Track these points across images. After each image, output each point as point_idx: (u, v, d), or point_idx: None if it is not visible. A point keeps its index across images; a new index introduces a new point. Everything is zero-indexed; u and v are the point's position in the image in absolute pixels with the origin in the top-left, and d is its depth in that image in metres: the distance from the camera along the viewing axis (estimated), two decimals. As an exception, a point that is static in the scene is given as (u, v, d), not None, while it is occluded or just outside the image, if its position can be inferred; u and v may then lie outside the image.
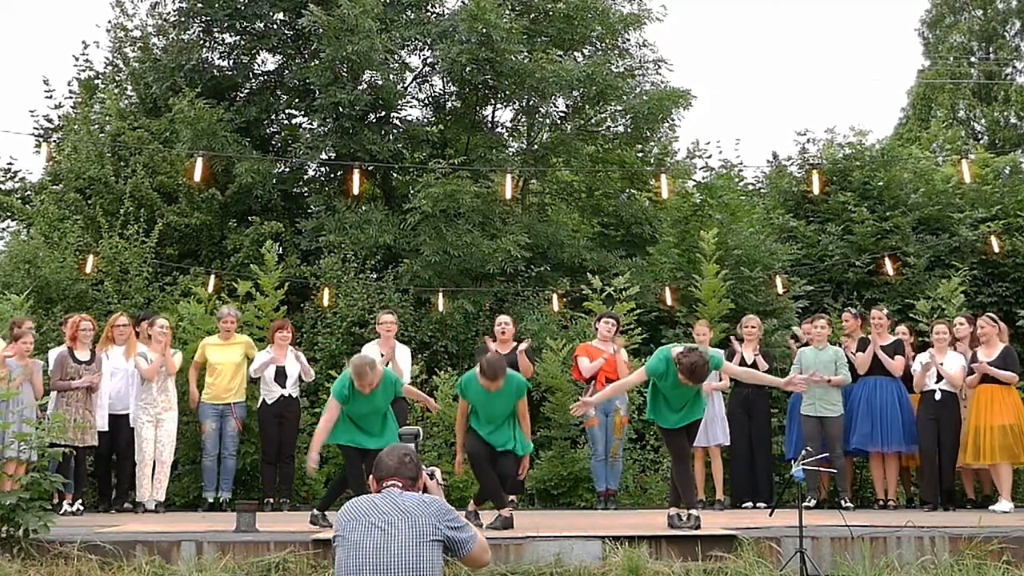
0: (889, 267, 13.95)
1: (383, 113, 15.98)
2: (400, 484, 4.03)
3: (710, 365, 7.55)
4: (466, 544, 3.97)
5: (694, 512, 7.68)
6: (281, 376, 10.55)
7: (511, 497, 8.44)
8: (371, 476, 4.13)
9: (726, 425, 10.63)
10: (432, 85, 16.80)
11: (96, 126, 15.78)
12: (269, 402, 10.56)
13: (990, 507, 9.41)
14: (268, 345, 10.74)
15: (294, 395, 10.65)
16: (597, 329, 10.70)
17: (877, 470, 10.32)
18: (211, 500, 10.60)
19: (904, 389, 10.24)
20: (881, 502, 10.20)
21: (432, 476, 4.24)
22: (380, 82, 15.42)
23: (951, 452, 9.88)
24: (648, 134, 16.73)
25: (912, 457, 10.30)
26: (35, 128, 16.70)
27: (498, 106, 16.67)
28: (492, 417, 7.93)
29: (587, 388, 10.42)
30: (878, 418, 10.10)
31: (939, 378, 9.89)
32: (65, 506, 9.59)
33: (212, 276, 13.13)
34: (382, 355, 10.01)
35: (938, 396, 9.78)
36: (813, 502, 9.96)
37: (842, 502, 9.81)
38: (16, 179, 16.97)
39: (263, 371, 10.51)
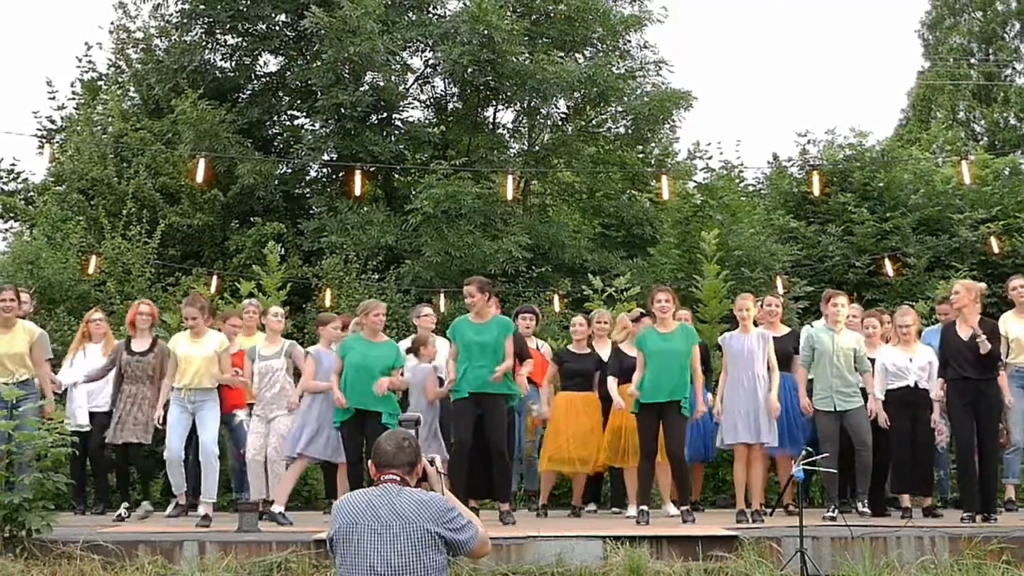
0: (889, 268, 13.99)
1: (385, 114, 16.03)
2: (398, 477, 3.99)
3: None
4: (466, 544, 4.00)
5: (644, 508, 7.95)
6: None
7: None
8: (370, 461, 4.11)
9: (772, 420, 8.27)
10: (434, 86, 16.90)
11: (99, 127, 15.83)
12: None
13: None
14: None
15: None
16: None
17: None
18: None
19: (796, 387, 8.67)
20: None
21: (432, 463, 4.17)
22: (382, 83, 15.46)
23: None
24: (649, 135, 16.80)
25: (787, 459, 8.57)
26: (38, 129, 16.79)
27: (499, 107, 16.75)
28: (481, 354, 8.00)
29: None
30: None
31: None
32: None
33: (215, 277, 13.15)
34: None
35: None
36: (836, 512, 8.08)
37: (829, 510, 8.12)
38: (19, 180, 17.02)
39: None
